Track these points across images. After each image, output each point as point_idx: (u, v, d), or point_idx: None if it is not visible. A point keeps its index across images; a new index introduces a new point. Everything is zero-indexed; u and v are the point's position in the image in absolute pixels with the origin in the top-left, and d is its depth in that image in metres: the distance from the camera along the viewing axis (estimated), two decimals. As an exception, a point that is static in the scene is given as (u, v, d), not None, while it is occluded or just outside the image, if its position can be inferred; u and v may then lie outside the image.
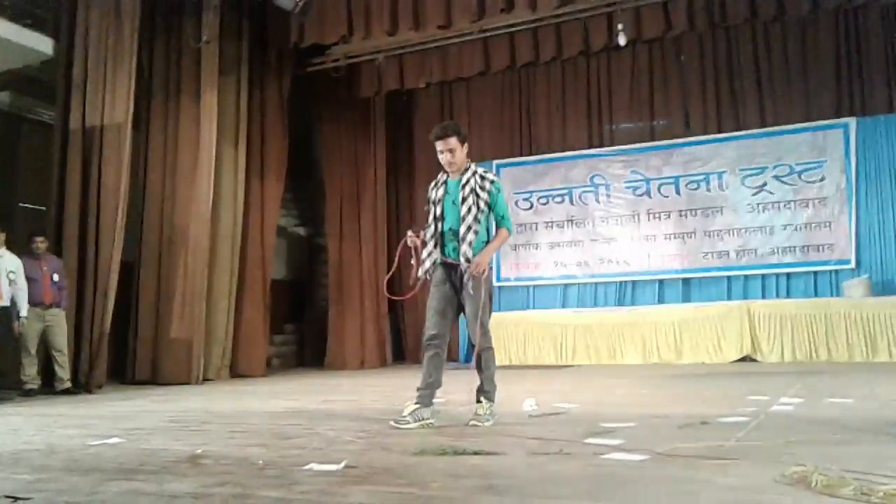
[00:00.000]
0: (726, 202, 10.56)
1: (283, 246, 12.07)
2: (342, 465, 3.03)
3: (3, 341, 7.09)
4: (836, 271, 9.86)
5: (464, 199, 4.36)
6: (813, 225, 10.03)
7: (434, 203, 4.49)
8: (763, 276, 10.33)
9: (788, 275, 10.20)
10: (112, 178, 8.19)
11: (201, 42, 9.07)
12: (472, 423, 4.25)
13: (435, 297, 4.41)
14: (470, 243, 4.31)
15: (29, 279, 7.40)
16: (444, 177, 4.52)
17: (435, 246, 4.43)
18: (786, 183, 10.23)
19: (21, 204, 9.52)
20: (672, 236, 10.81)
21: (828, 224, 9.97)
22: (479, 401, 4.38)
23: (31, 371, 7.42)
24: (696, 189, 10.74)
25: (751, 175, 10.45)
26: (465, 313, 4.40)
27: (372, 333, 11.57)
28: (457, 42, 10.42)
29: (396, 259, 4.58)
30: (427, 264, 4.43)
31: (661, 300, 10.71)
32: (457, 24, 9.62)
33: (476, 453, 3.23)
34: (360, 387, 7.61)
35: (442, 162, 4.46)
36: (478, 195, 4.36)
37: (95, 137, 8.29)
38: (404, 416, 4.21)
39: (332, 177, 11.91)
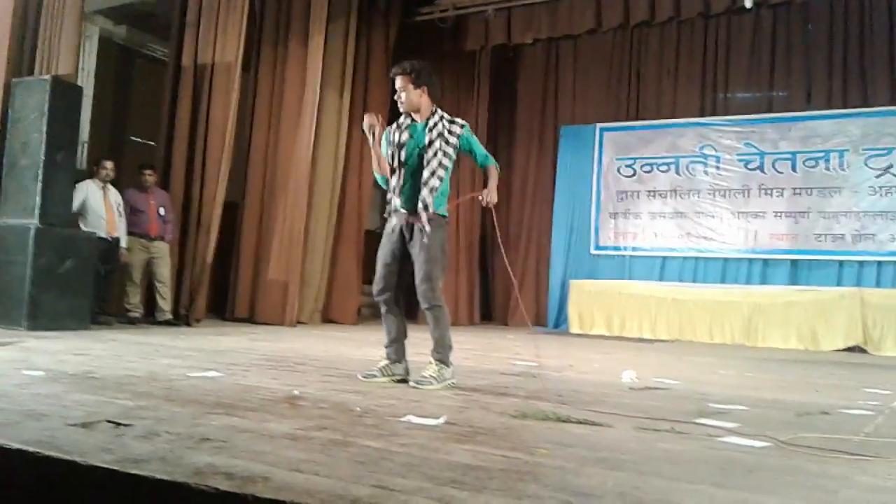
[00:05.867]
0: (846, 183, 9.91)
1: (375, 196, 12.00)
2: (441, 420, 2.93)
3: (111, 270, 7.34)
4: (961, 264, 9.17)
5: (430, 143, 4.04)
6: (940, 213, 9.33)
7: (397, 147, 4.12)
8: (879, 262, 9.69)
9: (908, 264, 9.54)
10: (220, 116, 8.28)
11: (313, -14, 9.02)
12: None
13: (384, 247, 4.18)
14: (432, 189, 4.00)
15: (137, 211, 7.62)
16: (408, 120, 4.18)
17: (395, 193, 4.13)
18: (913, 166, 9.53)
19: (132, 137, 9.79)
20: (783, 215, 10.23)
21: (956, 213, 9.25)
22: (430, 362, 4.15)
23: (134, 300, 7.66)
24: (814, 167, 10.12)
25: (875, 155, 9.76)
26: (414, 265, 4.07)
27: (464, 291, 11.48)
28: (569, -3, 10.05)
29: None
30: (389, 208, 4.20)
31: (764, 280, 10.21)
32: (572, -21, 9.28)
33: (580, 422, 3.08)
34: (450, 343, 7.52)
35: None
36: (446, 140, 4.06)
37: (206, 76, 8.40)
38: (372, 371, 4.19)
39: (432, 130, 11.74)
